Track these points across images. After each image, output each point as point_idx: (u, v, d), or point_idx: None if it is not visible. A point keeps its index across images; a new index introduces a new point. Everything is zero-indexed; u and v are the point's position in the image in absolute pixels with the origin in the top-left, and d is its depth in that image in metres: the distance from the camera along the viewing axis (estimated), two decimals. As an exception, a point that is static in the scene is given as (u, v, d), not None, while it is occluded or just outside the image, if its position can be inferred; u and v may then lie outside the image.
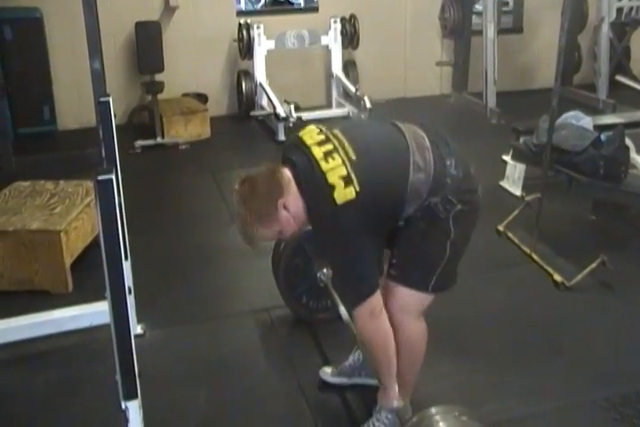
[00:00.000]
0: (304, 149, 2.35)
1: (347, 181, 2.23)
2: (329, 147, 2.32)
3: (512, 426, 2.77)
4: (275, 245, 3.41)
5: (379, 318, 2.35)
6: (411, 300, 2.44)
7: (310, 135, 2.41)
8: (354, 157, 2.28)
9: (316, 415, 2.86)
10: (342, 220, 2.25)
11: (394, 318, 2.46)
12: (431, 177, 2.33)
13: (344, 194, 2.22)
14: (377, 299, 2.33)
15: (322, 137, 2.37)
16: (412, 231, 2.41)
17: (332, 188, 2.23)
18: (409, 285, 2.40)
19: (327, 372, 3.03)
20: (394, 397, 2.50)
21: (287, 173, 2.36)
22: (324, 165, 2.27)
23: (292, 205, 2.34)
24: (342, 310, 3.06)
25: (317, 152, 2.31)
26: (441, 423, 2.10)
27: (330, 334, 3.39)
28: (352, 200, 2.22)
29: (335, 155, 2.28)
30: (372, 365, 2.58)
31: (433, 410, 2.18)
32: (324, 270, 3.27)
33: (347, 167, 2.25)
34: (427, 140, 2.40)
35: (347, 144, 2.32)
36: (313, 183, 2.28)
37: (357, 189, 2.23)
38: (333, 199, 2.22)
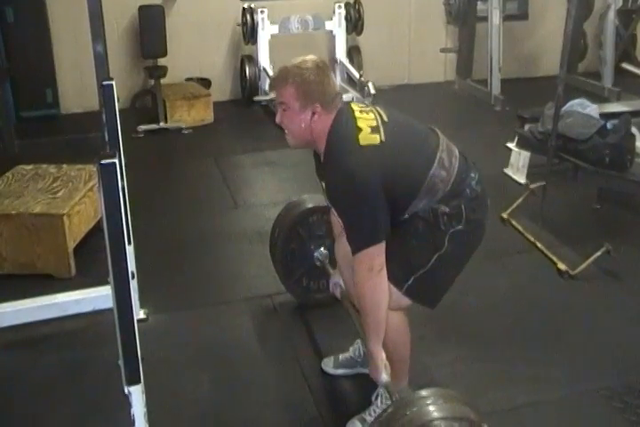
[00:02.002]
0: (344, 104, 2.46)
1: (374, 129, 2.33)
2: (366, 109, 2.44)
3: (514, 415, 2.77)
4: (271, 232, 3.43)
5: (377, 276, 2.33)
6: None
7: (354, 102, 2.55)
8: (387, 120, 2.38)
9: (319, 402, 2.86)
10: (361, 162, 2.27)
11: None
12: (452, 179, 2.37)
13: (369, 138, 2.30)
14: (379, 254, 2.31)
15: (363, 105, 2.50)
16: (407, 230, 2.42)
17: (359, 130, 2.32)
18: (389, 277, 2.38)
19: (329, 364, 3.03)
20: (381, 368, 2.44)
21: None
22: (357, 113, 2.39)
23: (319, 120, 2.37)
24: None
25: (355, 107, 2.44)
26: (430, 407, 2.06)
27: (332, 321, 3.39)
28: (375, 145, 2.29)
29: (370, 113, 2.40)
30: (362, 329, 2.54)
31: (423, 393, 2.15)
32: (321, 249, 3.28)
33: (378, 122, 2.36)
34: (457, 151, 2.48)
35: (384, 115, 2.41)
36: (343, 123, 2.36)
37: (383, 138, 2.31)
38: (358, 140, 2.30)
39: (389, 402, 2.48)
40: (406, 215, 2.39)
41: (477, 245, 2.52)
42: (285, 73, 2.37)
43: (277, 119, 2.45)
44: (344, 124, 2.36)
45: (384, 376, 2.42)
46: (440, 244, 2.39)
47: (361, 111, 2.40)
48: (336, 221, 2.65)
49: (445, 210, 2.36)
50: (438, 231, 2.38)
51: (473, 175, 2.44)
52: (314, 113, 2.35)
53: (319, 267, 3.31)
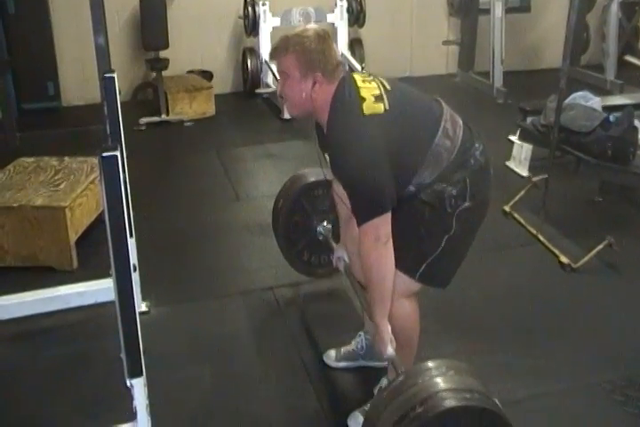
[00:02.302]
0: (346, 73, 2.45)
1: (378, 98, 2.31)
2: (369, 78, 2.41)
3: (515, 407, 2.76)
4: (274, 205, 3.40)
5: (384, 247, 2.30)
6: (398, 280, 2.41)
7: (356, 72, 2.52)
8: (390, 89, 2.37)
9: (321, 395, 2.86)
10: (366, 132, 2.25)
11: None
12: (456, 149, 2.35)
13: (373, 107, 2.28)
14: (385, 225, 2.28)
15: (365, 75, 2.47)
16: (414, 218, 2.40)
17: (362, 100, 2.29)
18: (398, 267, 2.37)
19: (331, 356, 3.03)
20: (387, 340, 2.39)
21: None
22: (360, 83, 2.36)
23: (321, 90, 2.35)
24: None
25: (357, 76, 2.41)
26: (437, 379, 2.01)
27: (334, 313, 3.40)
28: (379, 114, 2.27)
29: (373, 82, 2.38)
30: (367, 303, 2.51)
31: (433, 364, 2.10)
32: (324, 223, 3.26)
33: (381, 90, 2.34)
34: (461, 121, 2.46)
35: (387, 84, 2.40)
36: (346, 93, 2.33)
37: (387, 107, 2.29)
38: (362, 109, 2.27)
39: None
40: (412, 188, 2.37)
41: (483, 219, 2.50)
42: (286, 42, 2.35)
43: (278, 90, 2.45)
44: (347, 94, 2.33)
45: (390, 349, 2.38)
46: (449, 226, 2.37)
47: (363, 81, 2.38)
48: (340, 201, 2.65)
49: (452, 192, 2.34)
50: (445, 214, 2.36)
51: (477, 145, 2.42)
52: (315, 82, 2.33)
53: (321, 241, 3.27)
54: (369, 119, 2.27)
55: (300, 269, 3.48)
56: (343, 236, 2.90)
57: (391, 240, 2.31)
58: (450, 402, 1.91)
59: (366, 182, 2.25)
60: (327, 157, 2.43)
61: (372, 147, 2.24)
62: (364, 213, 2.30)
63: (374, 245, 2.30)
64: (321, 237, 3.27)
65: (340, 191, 2.51)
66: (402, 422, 1.91)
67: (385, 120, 2.28)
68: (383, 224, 2.28)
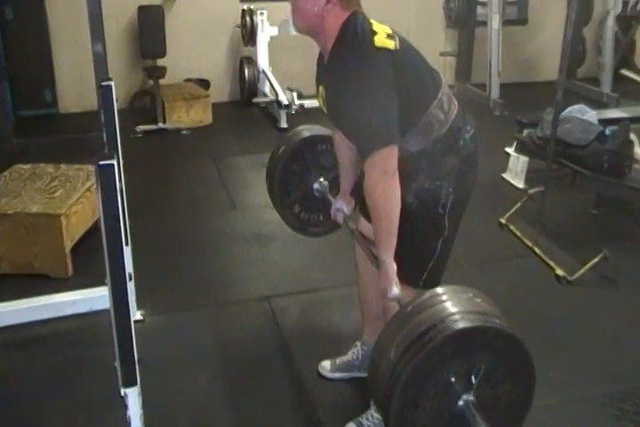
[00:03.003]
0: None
1: (390, 36, 2.26)
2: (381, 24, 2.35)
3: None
4: (273, 150, 3.28)
5: (391, 179, 2.22)
6: (402, 293, 2.38)
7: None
8: (400, 40, 2.31)
9: (316, 406, 2.84)
10: (374, 61, 2.21)
11: (383, 305, 2.47)
12: (448, 125, 2.34)
13: (384, 42, 2.23)
14: (392, 157, 2.21)
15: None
16: (408, 232, 2.35)
17: (374, 33, 2.24)
18: (401, 280, 2.33)
19: (326, 367, 3.01)
20: (392, 279, 2.31)
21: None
22: (372, 21, 2.32)
23: (333, 12, 2.29)
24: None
25: (370, 19, 2.36)
26: (448, 302, 1.91)
27: (330, 324, 3.39)
28: (389, 50, 2.22)
29: (385, 27, 2.33)
30: (374, 236, 2.37)
31: (440, 290, 2.01)
32: (321, 179, 3.12)
33: (393, 34, 2.29)
34: (456, 101, 2.44)
35: (397, 37, 2.33)
36: (358, 23, 2.28)
37: (397, 46, 2.25)
38: (372, 41, 2.22)
39: None
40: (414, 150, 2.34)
41: (465, 208, 2.49)
42: None
43: (294, 24, 2.43)
44: (359, 23, 2.27)
45: (395, 289, 2.29)
46: (442, 228, 2.37)
47: (376, 23, 2.33)
48: (341, 147, 2.63)
49: (449, 189, 2.33)
50: (437, 217, 2.36)
51: (469, 128, 2.41)
52: (329, 1, 2.27)
53: (316, 198, 3.14)
54: (379, 51, 2.21)
55: (292, 224, 3.30)
56: (343, 186, 2.82)
57: (397, 173, 2.23)
58: (463, 324, 1.83)
59: (372, 110, 2.19)
60: (323, 91, 2.37)
61: (379, 75, 2.19)
62: (370, 143, 2.23)
63: (381, 178, 2.22)
64: (317, 194, 3.13)
65: (342, 134, 2.47)
66: (415, 344, 1.82)
67: (394, 58, 2.22)
68: (390, 156, 2.21)
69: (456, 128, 2.36)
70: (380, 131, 2.20)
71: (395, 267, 2.30)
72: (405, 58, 2.28)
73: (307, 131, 3.20)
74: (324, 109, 2.45)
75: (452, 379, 1.83)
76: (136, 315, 3.34)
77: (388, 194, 2.24)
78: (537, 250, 4.04)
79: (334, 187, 2.96)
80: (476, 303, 1.96)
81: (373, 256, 2.42)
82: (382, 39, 2.23)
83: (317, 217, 3.24)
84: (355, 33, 2.26)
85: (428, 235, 2.40)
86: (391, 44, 2.23)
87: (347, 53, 2.24)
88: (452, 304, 1.90)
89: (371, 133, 2.21)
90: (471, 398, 1.84)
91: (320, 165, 3.15)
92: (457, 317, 1.84)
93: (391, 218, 2.26)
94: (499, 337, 1.87)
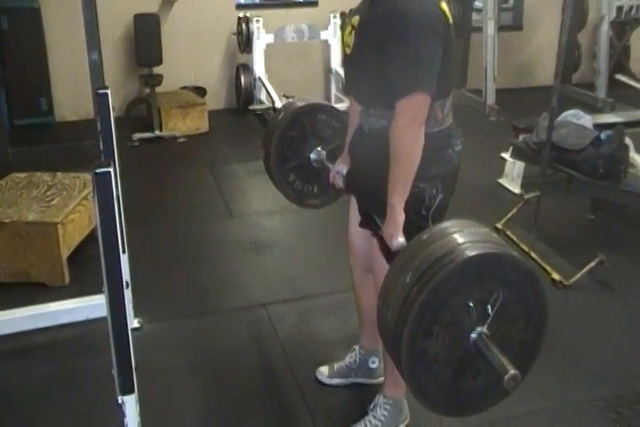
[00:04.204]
0: None
1: (449, 11, 2.22)
2: None
3: (508, 424, 2.77)
4: (272, 117, 3.21)
5: (420, 127, 2.18)
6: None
7: None
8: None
9: (314, 412, 2.84)
10: (435, 20, 2.16)
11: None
12: (441, 127, 2.32)
13: (447, 10, 2.19)
14: (425, 108, 2.17)
15: None
16: None
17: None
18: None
19: (324, 373, 3.01)
20: (400, 226, 2.23)
21: None
22: None
23: None
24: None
25: None
26: (456, 235, 1.86)
27: (327, 330, 3.39)
28: (448, 20, 2.19)
29: None
30: (390, 181, 2.27)
31: (444, 224, 1.96)
32: (319, 148, 3.01)
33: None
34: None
35: None
36: None
37: (452, 23, 2.22)
38: (439, 2, 2.19)
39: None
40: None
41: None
42: None
43: None
44: None
45: (400, 238, 2.22)
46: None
47: None
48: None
49: (432, 191, 2.31)
50: (421, 220, 2.31)
51: (458, 142, 2.38)
52: None
53: (314, 168, 3.04)
54: (442, 14, 2.17)
55: (288, 194, 3.18)
56: (347, 148, 2.73)
57: (424, 125, 2.21)
58: (482, 250, 1.80)
59: (413, 52, 2.13)
60: (357, 21, 2.30)
61: (436, 28, 2.14)
62: (406, 83, 2.15)
63: (411, 125, 2.18)
64: (315, 163, 3.03)
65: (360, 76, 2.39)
66: (433, 267, 1.79)
67: (446, 30, 2.18)
68: (424, 104, 2.17)
69: (448, 135, 2.35)
70: (422, 75, 2.15)
71: (403, 216, 2.24)
72: (450, 40, 2.22)
73: (307, 100, 3.13)
74: (349, 42, 2.34)
75: (471, 304, 1.79)
76: (133, 323, 3.34)
77: (414, 142, 2.19)
78: (533, 255, 4.05)
79: (332, 158, 2.89)
80: (493, 236, 1.93)
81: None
82: (445, 7, 2.20)
83: (312, 188, 3.14)
84: None
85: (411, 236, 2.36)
86: (449, 19, 2.20)
87: (414, 7, 2.15)
88: (470, 233, 1.88)
89: (411, 76, 2.15)
90: (485, 330, 1.81)
91: (319, 135, 3.07)
92: (476, 244, 1.82)
93: (412, 164, 2.22)
94: (517, 269, 1.84)
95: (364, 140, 2.49)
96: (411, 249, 1.95)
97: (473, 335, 1.81)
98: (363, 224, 2.55)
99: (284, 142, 3.06)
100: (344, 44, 2.42)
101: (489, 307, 1.81)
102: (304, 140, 3.06)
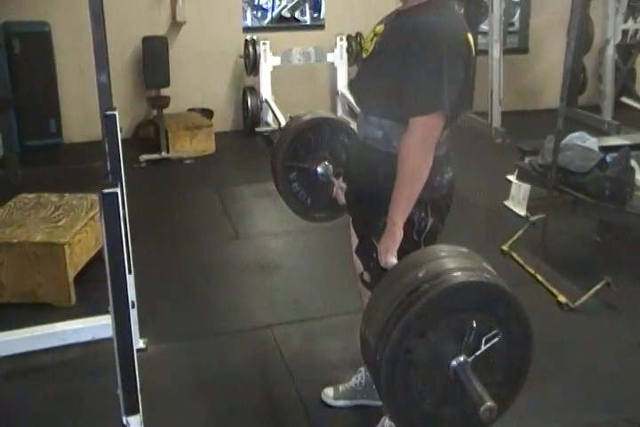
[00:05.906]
0: None
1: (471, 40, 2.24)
2: None
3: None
4: (283, 126, 3.21)
5: (429, 148, 2.18)
6: None
7: None
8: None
9: (318, 434, 2.84)
10: (461, 46, 2.18)
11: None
12: (437, 153, 2.28)
13: (470, 37, 2.22)
14: (437, 129, 2.18)
15: None
16: None
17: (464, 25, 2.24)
18: None
19: (329, 395, 3.00)
20: (397, 244, 2.22)
21: None
22: None
23: None
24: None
25: None
26: (446, 260, 1.85)
27: (332, 352, 3.38)
28: (470, 46, 2.21)
29: None
30: (392, 199, 2.25)
31: (443, 246, 1.98)
32: (326, 163, 2.98)
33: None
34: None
35: None
36: (452, 5, 2.27)
37: (474, 54, 2.26)
38: (464, 25, 2.23)
39: None
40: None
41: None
42: None
43: None
44: (452, 6, 2.26)
45: (394, 259, 2.21)
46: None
47: None
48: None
49: (421, 214, 2.30)
50: (413, 244, 2.29)
51: (449, 170, 2.38)
52: None
53: (319, 181, 3.00)
54: (467, 43, 2.20)
55: (293, 206, 3.17)
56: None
57: (434, 146, 2.20)
58: (458, 278, 1.78)
59: (430, 69, 2.13)
60: (382, 29, 2.31)
61: (460, 52, 2.17)
62: (426, 101, 2.15)
63: (422, 145, 2.17)
64: (321, 177, 2.99)
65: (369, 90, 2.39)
66: (409, 297, 1.76)
67: (470, 59, 2.21)
68: (438, 126, 2.17)
69: (440, 162, 2.31)
70: (443, 96, 2.13)
71: (402, 234, 2.24)
72: (469, 69, 2.25)
73: (319, 114, 3.14)
74: (367, 48, 2.36)
75: (452, 331, 1.78)
76: (139, 343, 3.34)
77: (423, 162, 2.19)
78: (539, 277, 4.05)
79: (339, 174, 2.86)
80: (481, 264, 1.90)
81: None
82: (471, 39, 2.23)
83: (318, 201, 3.10)
84: (447, 9, 2.24)
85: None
86: (473, 48, 2.24)
87: (430, 12, 2.19)
88: (460, 260, 1.87)
89: (433, 95, 2.14)
90: (466, 358, 1.78)
91: (326, 148, 3.05)
92: (465, 271, 1.81)
93: (418, 184, 2.22)
94: (501, 299, 1.81)
95: (358, 150, 2.51)
96: (399, 269, 1.94)
97: (453, 363, 1.78)
98: (358, 251, 2.56)
99: (296, 144, 3.05)
100: (362, 49, 2.44)
101: (469, 336, 1.79)
102: (314, 150, 3.04)
